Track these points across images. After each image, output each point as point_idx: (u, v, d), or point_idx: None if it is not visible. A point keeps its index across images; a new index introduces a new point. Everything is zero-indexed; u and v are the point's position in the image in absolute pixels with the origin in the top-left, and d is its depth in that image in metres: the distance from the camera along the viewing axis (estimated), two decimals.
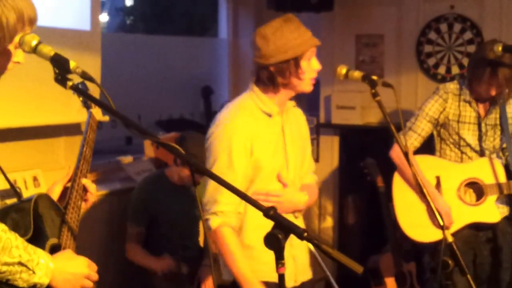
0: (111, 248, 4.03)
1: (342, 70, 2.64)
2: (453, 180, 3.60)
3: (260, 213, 1.68)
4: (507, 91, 3.47)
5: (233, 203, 2.53)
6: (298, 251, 2.64)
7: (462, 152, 3.60)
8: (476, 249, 3.67)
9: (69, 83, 1.79)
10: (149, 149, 4.46)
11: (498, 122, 3.59)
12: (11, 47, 1.79)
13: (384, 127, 2.61)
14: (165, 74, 5.29)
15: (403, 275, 4.17)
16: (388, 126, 2.48)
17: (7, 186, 2.00)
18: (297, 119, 2.80)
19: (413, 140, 3.62)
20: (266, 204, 2.48)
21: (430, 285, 3.81)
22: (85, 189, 2.11)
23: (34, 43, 1.78)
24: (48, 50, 1.78)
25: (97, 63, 3.81)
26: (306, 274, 2.79)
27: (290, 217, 2.66)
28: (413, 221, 3.61)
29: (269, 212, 1.67)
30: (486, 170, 3.57)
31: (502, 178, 3.54)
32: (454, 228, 3.51)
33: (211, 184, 2.54)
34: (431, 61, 4.83)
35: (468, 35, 4.70)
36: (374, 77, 2.56)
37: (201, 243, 4.05)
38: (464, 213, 3.56)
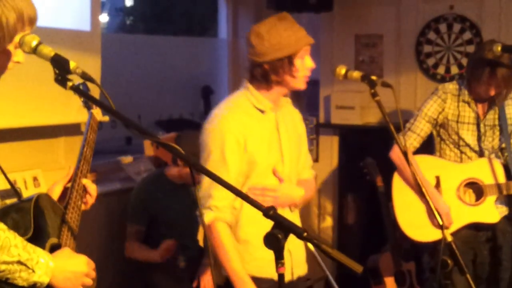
0: (111, 248, 4.04)
1: (342, 70, 2.65)
2: (453, 180, 3.61)
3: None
4: (505, 91, 3.48)
5: (227, 198, 2.55)
6: (293, 245, 2.64)
7: (461, 152, 3.61)
8: (476, 249, 3.68)
9: (69, 84, 1.79)
10: (149, 149, 4.46)
11: (496, 122, 3.59)
12: (11, 46, 1.80)
13: (384, 127, 2.62)
14: (165, 74, 5.30)
15: (403, 275, 4.18)
16: (388, 126, 2.49)
17: (7, 186, 2.00)
18: (292, 116, 2.82)
19: (412, 140, 3.62)
20: (262, 199, 2.53)
21: (429, 285, 3.81)
22: (84, 190, 2.11)
23: (34, 43, 1.78)
24: (48, 50, 1.78)
25: (97, 63, 3.82)
26: (303, 268, 2.80)
27: (286, 211, 2.68)
28: (413, 220, 3.62)
29: (269, 212, 1.68)
30: (486, 171, 3.58)
31: (502, 179, 3.55)
32: (454, 228, 3.51)
33: (206, 180, 2.55)
34: (431, 61, 4.84)
35: (467, 35, 4.71)
36: (374, 77, 2.57)
37: (201, 243, 4.05)
38: (463, 213, 3.57)
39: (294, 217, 2.70)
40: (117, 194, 4.12)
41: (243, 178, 2.61)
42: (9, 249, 1.71)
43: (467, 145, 3.59)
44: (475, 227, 3.61)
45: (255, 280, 2.58)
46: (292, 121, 2.80)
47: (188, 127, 4.66)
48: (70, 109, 3.59)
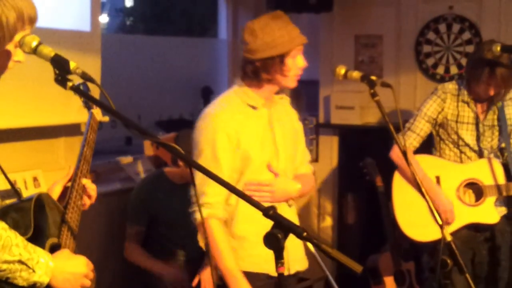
0: (110, 248, 4.03)
1: (341, 70, 2.65)
2: (453, 180, 3.61)
3: None
4: (503, 91, 3.49)
5: (220, 194, 2.55)
6: (289, 241, 2.64)
7: (461, 152, 3.61)
8: (475, 249, 3.68)
9: (69, 84, 1.79)
10: (149, 149, 4.47)
11: (496, 123, 3.60)
12: (11, 46, 1.80)
13: (383, 127, 2.62)
14: (165, 75, 5.31)
15: (402, 274, 4.18)
16: (387, 126, 2.49)
17: (7, 186, 2.00)
18: (287, 112, 2.82)
19: (412, 140, 3.63)
20: (258, 194, 2.53)
21: (429, 284, 3.81)
22: (84, 190, 2.12)
23: (34, 44, 1.78)
24: (48, 51, 1.78)
25: (97, 63, 3.82)
26: (301, 264, 2.79)
27: (283, 206, 2.67)
28: (412, 220, 3.62)
29: (269, 212, 1.68)
30: (486, 171, 3.58)
31: (501, 180, 3.55)
32: (453, 228, 3.51)
33: (198, 177, 2.52)
34: (430, 61, 4.84)
35: (466, 35, 4.71)
36: (373, 77, 2.57)
37: (201, 243, 4.04)
38: (463, 214, 3.57)
39: (291, 213, 2.70)
40: (117, 194, 4.12)
41: (237, 174, 2.62)
42: (11, 248, 1.71)
43: (467, 144, 3.59)
44: (475, 228, 3.62)
45: (250, 276, 2.58)
46: (288, 117, 2.81)
47: (188, 127, 4.66)
48: (70, 109, 3.59)
